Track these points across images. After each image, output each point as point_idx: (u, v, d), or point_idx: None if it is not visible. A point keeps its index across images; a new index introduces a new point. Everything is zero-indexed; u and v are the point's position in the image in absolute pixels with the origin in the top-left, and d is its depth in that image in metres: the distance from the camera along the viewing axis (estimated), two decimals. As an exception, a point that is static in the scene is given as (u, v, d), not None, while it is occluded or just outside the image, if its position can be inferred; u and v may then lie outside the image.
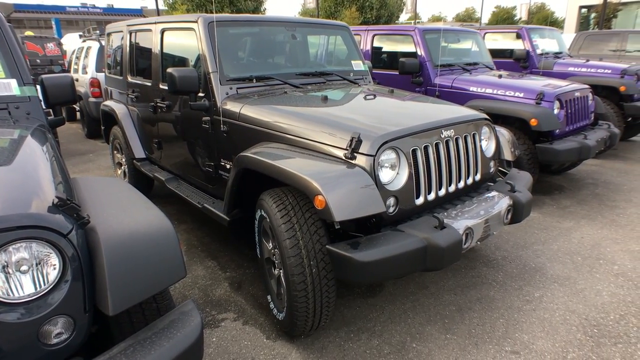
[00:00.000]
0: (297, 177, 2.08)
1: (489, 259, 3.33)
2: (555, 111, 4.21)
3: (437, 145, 2.43)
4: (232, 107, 2.89)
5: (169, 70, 2.89)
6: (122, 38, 4.35)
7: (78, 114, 9.06)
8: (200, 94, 3.07)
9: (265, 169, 2.32)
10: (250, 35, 3.41)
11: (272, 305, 2.51)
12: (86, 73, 7.83)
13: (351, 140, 2.18)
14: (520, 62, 6.76)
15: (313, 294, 2.16)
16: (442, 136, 2.47)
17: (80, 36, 10.40)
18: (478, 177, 2.75)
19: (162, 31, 3.58)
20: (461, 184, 2.61)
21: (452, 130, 2.53)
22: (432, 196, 2.43)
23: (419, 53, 5.03)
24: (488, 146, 2.89)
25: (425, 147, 2.37)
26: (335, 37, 3.94)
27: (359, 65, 3.86)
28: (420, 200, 2.36)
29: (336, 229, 2.24)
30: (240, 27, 3.35)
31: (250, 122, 2.76)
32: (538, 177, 4.41)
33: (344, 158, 2.21)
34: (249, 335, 2.50)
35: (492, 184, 2.90)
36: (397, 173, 2.28)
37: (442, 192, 2.48)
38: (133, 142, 4.30)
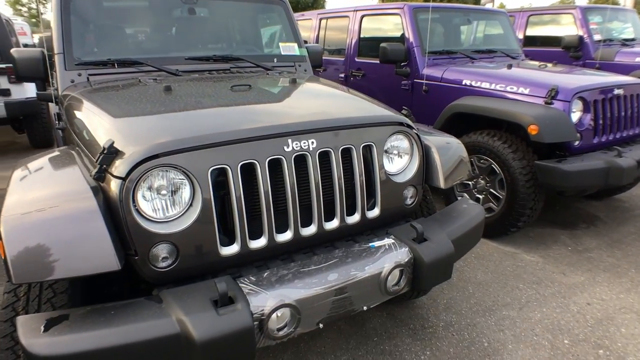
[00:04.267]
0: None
1: (423, 325, 2.33)
2: (575, 115, 2.98)
3: (273, 163, 1.56)
4: (68, 99, 2.24)
5: (12, 51, 2.39)
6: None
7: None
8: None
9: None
10: (131, 9, 2.73)
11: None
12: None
13: (100, 154, 1.41)
14: (570, 51, 5.32)
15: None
16: (287, 149, 1.58)
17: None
18: (375, 212, 1.81)
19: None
20: (333, 224, 1.70)
21: (311, 139, 1.63)
22: (261, 243, 1.56)
23: (406, 36, 3.97)
24: (404, 165, 1.92)
25: (247, 167, 1.51)
26: (267, 14, 3.12)
27: (290, 49, 2.99)
28: (232, 249, 1.52)
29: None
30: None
31: (69, 120, 2.10)
32: (541, 211, 3.17)
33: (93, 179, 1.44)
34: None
35: (405, 223, 1.92)
36: (190, 205, 1.46)
37: (286, 236, 1.61)
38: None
